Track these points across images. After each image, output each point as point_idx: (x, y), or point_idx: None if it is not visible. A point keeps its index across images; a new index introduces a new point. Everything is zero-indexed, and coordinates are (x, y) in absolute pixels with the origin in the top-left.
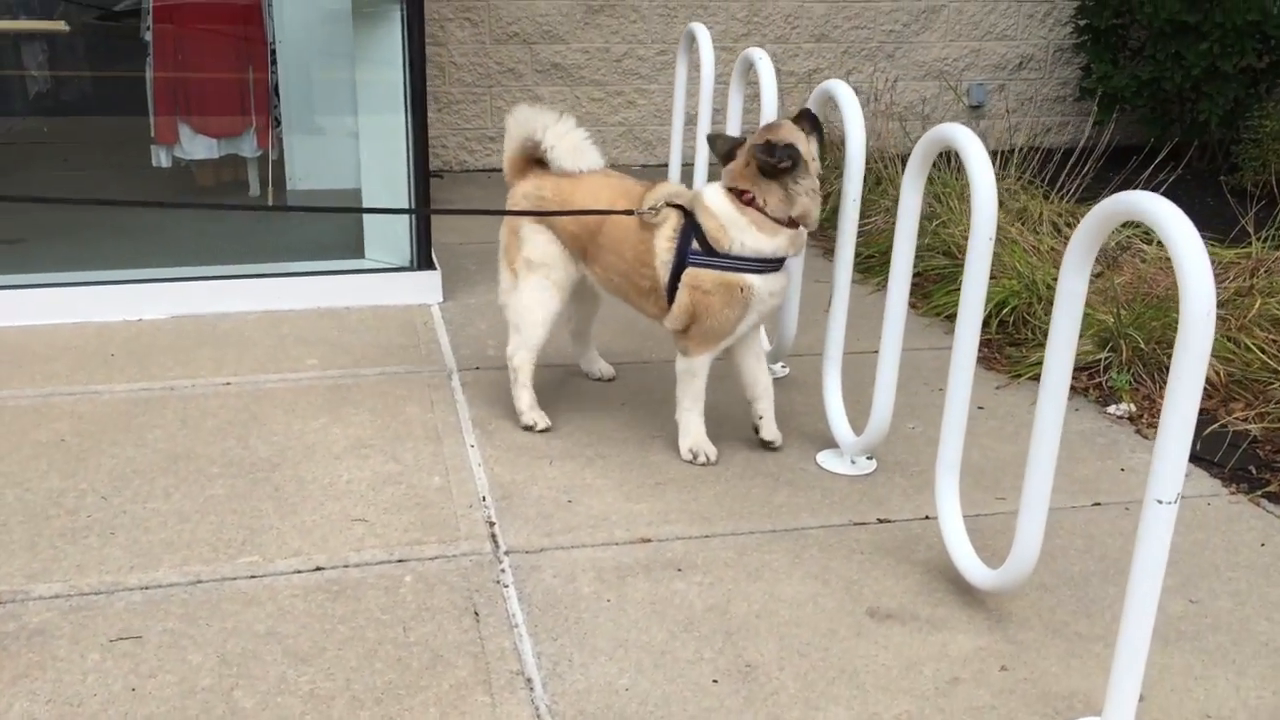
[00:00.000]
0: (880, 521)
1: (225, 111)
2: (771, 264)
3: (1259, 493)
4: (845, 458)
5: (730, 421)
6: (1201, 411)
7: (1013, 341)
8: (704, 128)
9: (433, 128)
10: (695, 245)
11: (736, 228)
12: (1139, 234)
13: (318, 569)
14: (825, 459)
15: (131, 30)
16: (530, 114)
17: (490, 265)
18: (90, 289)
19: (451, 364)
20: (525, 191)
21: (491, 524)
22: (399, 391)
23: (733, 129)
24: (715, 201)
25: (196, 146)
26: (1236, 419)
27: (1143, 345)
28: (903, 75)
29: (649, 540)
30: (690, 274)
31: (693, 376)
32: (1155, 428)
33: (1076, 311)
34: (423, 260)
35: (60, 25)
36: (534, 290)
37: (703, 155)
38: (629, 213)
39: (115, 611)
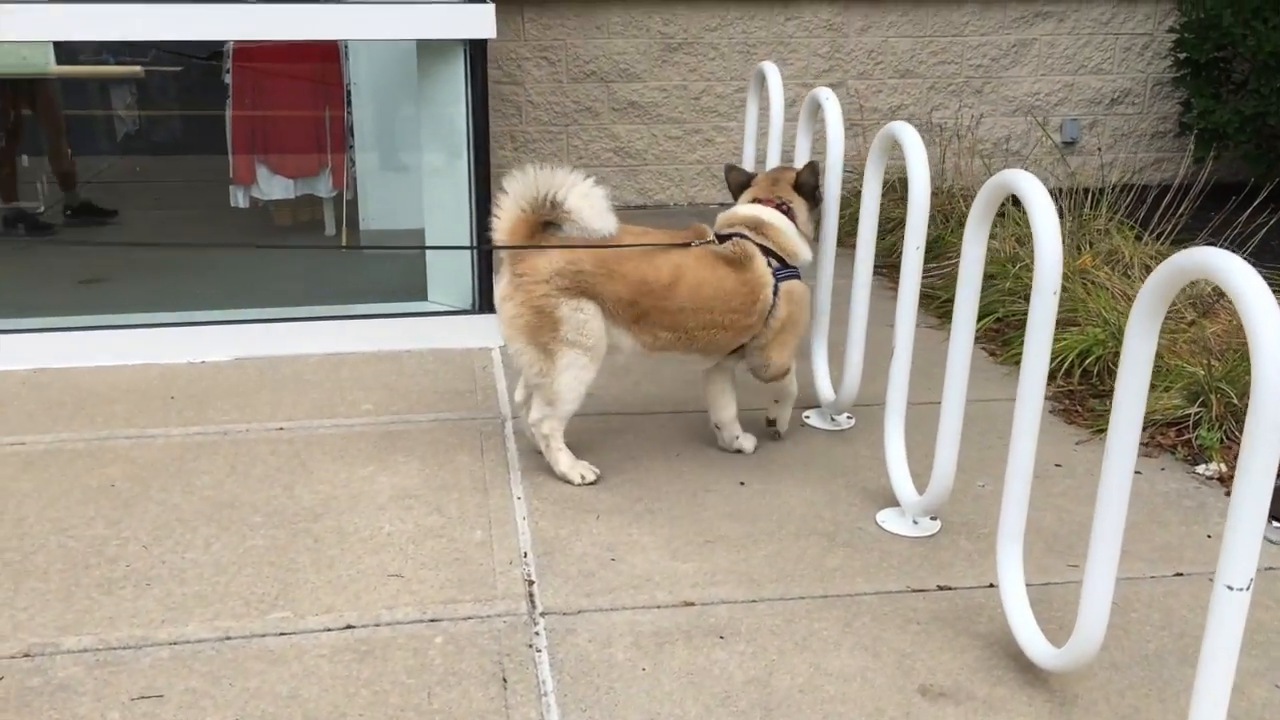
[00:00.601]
0: (940, 589)
1: (301, 152)
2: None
3: None
4: (907, 517)
5: (790, 476)
6: None
7: (1096, 393)
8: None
9: (509, 167)
10: (774, 263)
11: (797, 239)
12: None
13: (348, 627)
14: (886, 518)
15: (214, 71)
16: (545, 174)
17: None
18: (154, 330)
19: (506, 411)
20: (557, 269)
21: (530, 582)
22: (451, 439)
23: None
24: (777, 219)
25: (273, 187)
26: None
27: (1235, 400)
28: (991, 111)
29: (692, 604)
30: (785, 289)
31: (793, 388)
32: None
33: (1144, 375)
34: (485, 303)
35: (136, 70)
36: (573, 369)
37: None
38: (685, 245)
39: (141, 668)
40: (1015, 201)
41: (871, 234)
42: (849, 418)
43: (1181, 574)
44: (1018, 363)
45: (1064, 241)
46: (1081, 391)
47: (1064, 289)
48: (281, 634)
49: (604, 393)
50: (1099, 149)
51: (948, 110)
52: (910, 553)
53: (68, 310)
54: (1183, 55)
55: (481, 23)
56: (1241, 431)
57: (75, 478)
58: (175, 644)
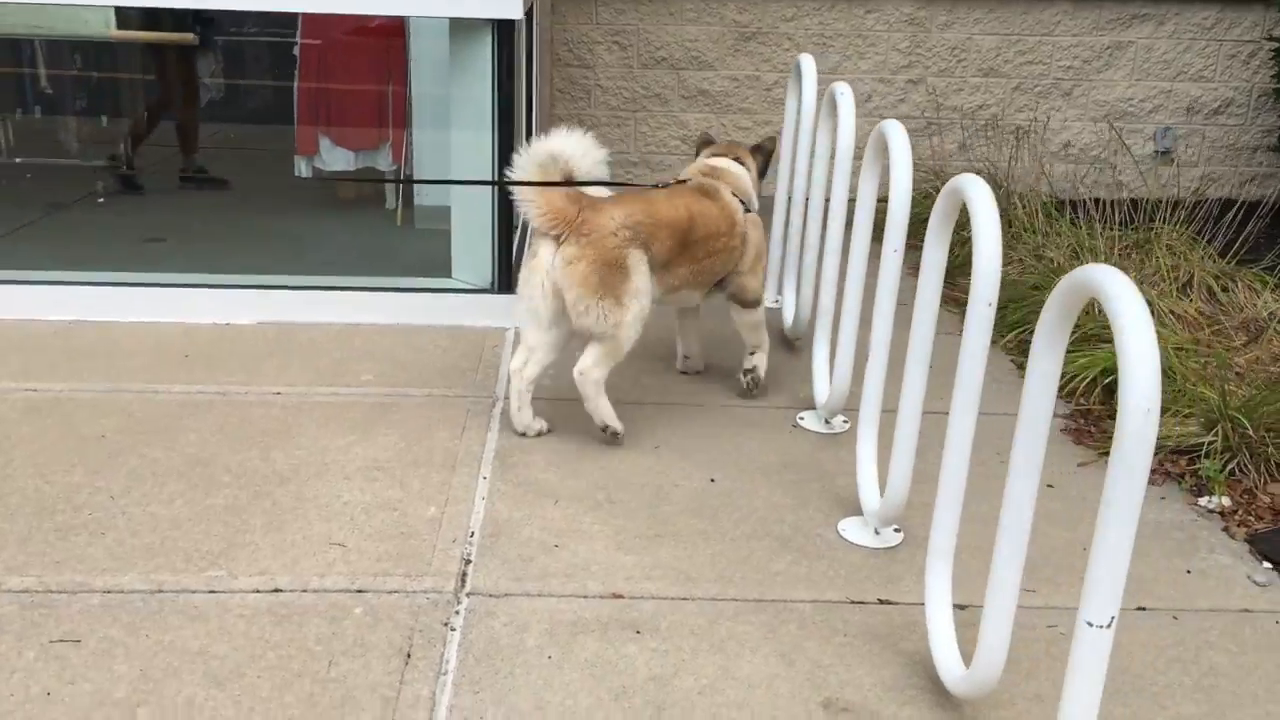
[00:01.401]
0: (881, 602)
1: (362, 125)
2: None
3: None
4: (869, 527)
5: (765, 476)
6: None
7: (1115, 415)
8: (801, 162)
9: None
10: (739, 201)
11: (749, 185)
12: None
13: (276, 590)
14: (847, 527)
15: (286, 43)
16: (562, 142)
17: None
18: (187, 290)
19: (501, 392)
20: (620, 223)
21: (467, 561)
22: (437, 415)
23: (819, 163)
24: (733, 166)
25: (335, 158)
26: None
27: (1250, 431)
28: (1080, 115)
29: (620, 596)
30: (750, 218)
31: (766, 337)
32: (1246, 526)
33: (1047, 396)
34: (503, 283)
35: (188, 37)
36: (639, 317)
37: (808, 191)
38: (657, 185)
39: (70, 613)
40: (1074, 207)
41: (867, 233)
42: (844, 421)
43: (1144, 609)
44: None
45: (1117, 254)
46: (1098, 412)
47: (1097, 304)
48: (211, 592)
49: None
50: (1196, 160)
51: (1035, 112)
52: (862, 563)
53: (118, 266)
54: None
55: (507, 3)
56: (1256, 465)
57: (72, 426)
58: (109, 592)
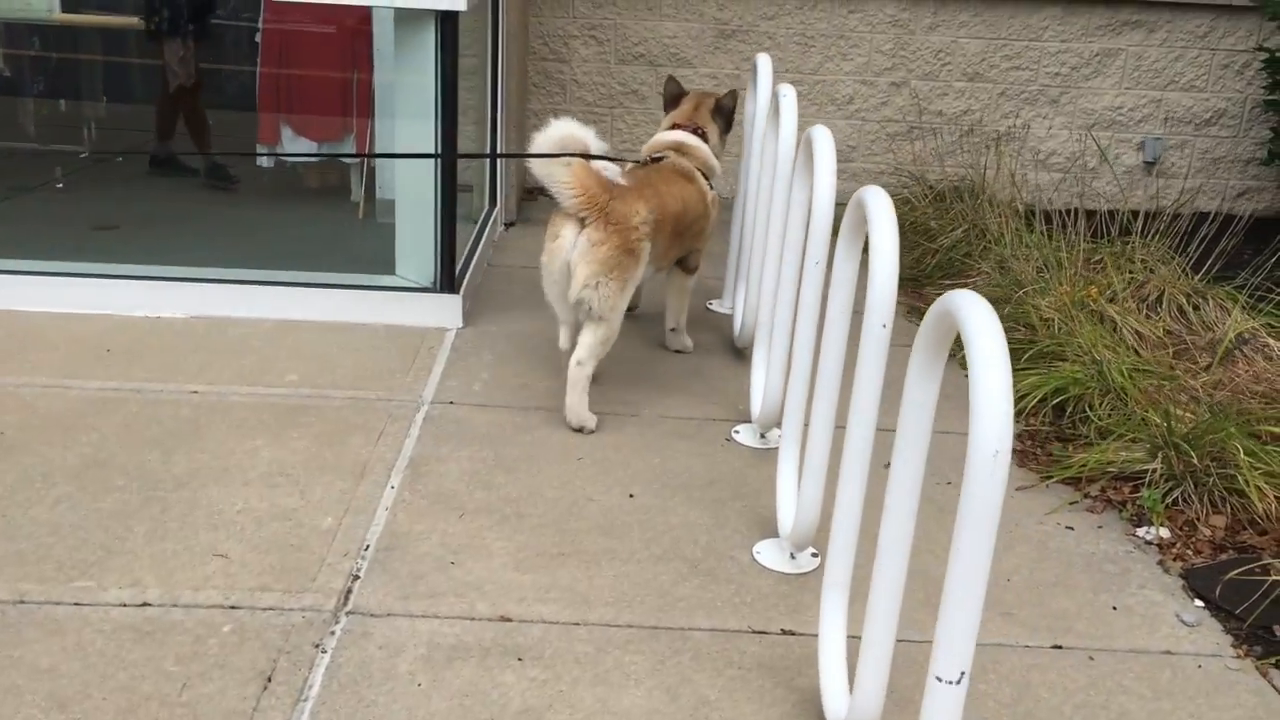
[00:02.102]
0: (783, 633)
1: (325, 115)
2: None
3: (1272, 659)
4: (785, 551)
5: (687, 493)
6: (1246, 549)
7: (1063, 436)
8: (753, 164)
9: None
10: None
11: (711, 157)
12: (1268, 324)
13: (144, 605)
14: (762, 550)
15: (248, 30)
16: (572, 127)
17: (536, 293)
18: (118, 282)
19: (429, 396)
20: (643, 218)
21: (355, 578)
22: (355, 419)
23: (766, 165)
24: (695, 142)
25: (297, 148)
26: None
27: (1194, 460)
28: (1067, 123)
29: (509, 619)
30: (712, 196)
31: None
32: (1183, 560)
33: (924, 423)
34: (445, 282)
35: (135, 20)
36: (626, 302)
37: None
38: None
39: None
40: (1053, 218)
41: (796, 244)
42: (779, 435)
43: (1060, 646)
44: None
45: (1085, 268)
46: (1047, 433)
47: (1059, 321)
48: (76, 604)
49: (541, 385)
50: (1185, 172)
51: (1020, 119)
52: (772, 589)
53: (59, 255)
54: (1277, 77)
55: None
56: (1201, 495)
57: None
58: None
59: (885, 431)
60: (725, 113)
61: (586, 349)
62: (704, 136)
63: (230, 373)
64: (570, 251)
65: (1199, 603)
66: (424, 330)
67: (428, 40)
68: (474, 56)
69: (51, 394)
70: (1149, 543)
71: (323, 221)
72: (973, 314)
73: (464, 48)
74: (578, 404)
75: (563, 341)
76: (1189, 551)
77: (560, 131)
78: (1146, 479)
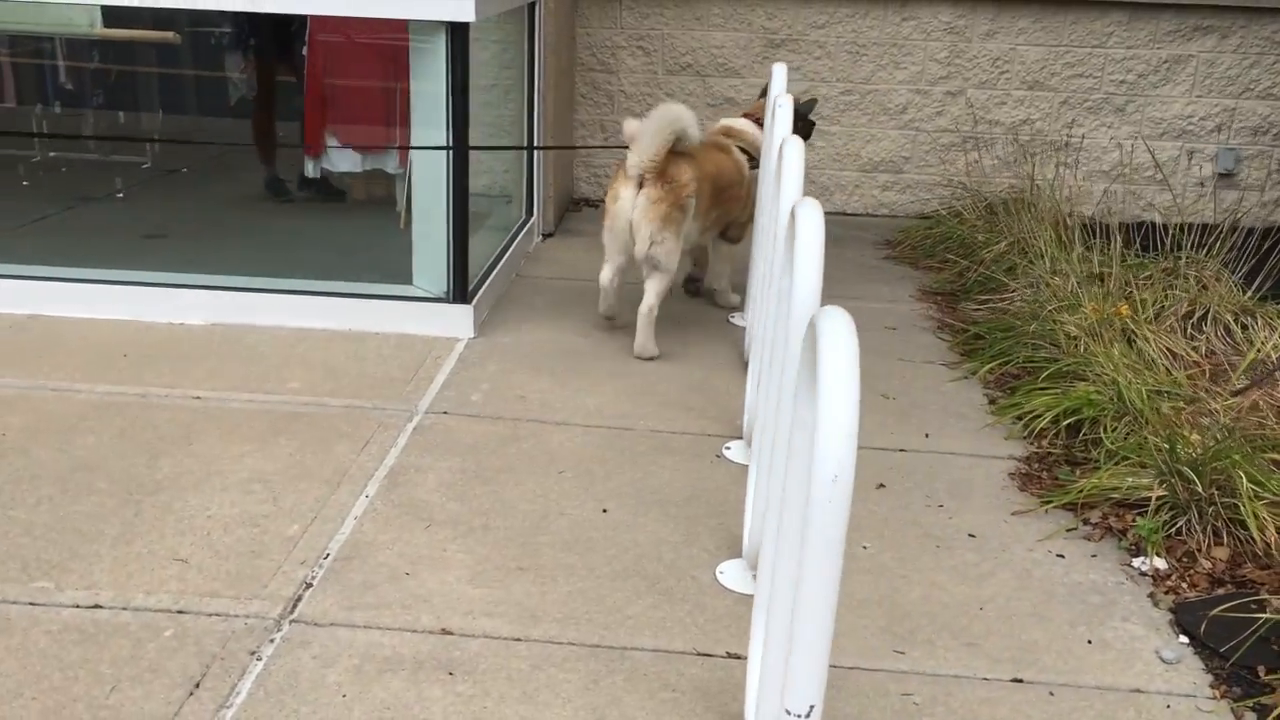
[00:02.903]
0: (729, 656)
1: (367, 126)
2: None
3: (1250, 701)
4: (749, 571)
5: (663, 510)
6: (1245, 583)
7: (1073, 459)
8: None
9: (597, 157)
10: (745, 157)
11: (759, 139)
12: None
13: (95, 606)
14: (726, 570)
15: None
16: (682, 110)
17: (559, 304)
18: (142, 289)
19: (424, 406)
20: (691, 176)
21: (307, 586)
22: (345, 428)
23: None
24: (745, 125)
25: (342, 160)
26: None
27: (1200, 488)
28: (1134, 133)
29: (450, 633)
30: (752, 174)
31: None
32: (1176, 593)
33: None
34: (457, 293)
35: (170, 36)
36: (681, 249)
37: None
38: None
39: None
40: (1107, 233)
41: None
42: None
43: (1021, 680)
44: (1010, 415)
45: (1114, 284)
46: (1056, 456)
47: (1084, 339)
48: (31, 604)
49: (538, 396)
50: (1264, 184)
51: (1083, 128)
52: (728, 611)
53: (100, 263)
54: None
55: (458, 5)
56: (1205, 525)
57: None
58: None
59: (873, 450)
60: (799, 115)
61: (654, 295)
62: (759, 124)
63: (236, 379)
64: (633, 208)
65: (1184, 639)
66: (434, 340)
67: (439, 51)
68: (511, 68)
69: (59, 397)
70: (1143, 574)
71: (361, 231)
72: (826, 330)
73: (498, 59)
74: (645, 340)
75: (604, 277)
76: (1184, 584)
77: (670, 116)
78: (1150, 506)
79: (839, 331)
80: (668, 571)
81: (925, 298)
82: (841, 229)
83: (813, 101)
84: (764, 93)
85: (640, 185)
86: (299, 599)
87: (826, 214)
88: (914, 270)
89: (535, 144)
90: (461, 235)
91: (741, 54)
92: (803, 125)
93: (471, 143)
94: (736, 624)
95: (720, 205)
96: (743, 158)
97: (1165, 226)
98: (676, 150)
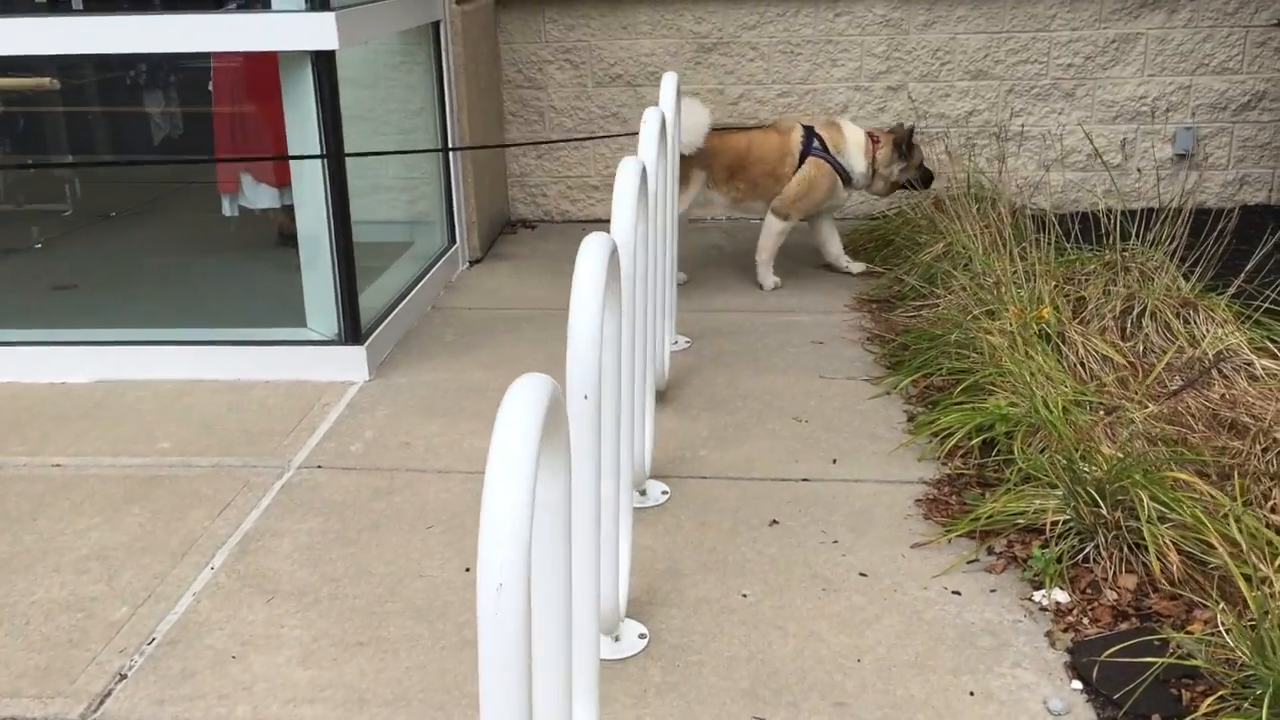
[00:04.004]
0: None
1: (282, 160)
2: (849, 180)
3: None
4: (611, 634)
5: None
6: (1151, 616)
7: (986, 481)
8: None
9: (532, 175)
10: (818, 145)
11: (852, 147)
12: (1271, 334)
13: None
14: None
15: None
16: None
17: (471, 337)
18: (26, 349)
19: (298, 460)
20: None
21: (121, 677)
22: (207, 490)
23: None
24: (849, 129)
25: (259, 195)
26: (1192, 634)
27: (1105, 512)
28: (1086, 118)
29: None
30: (812, 159)
31: (781, 234)
32: (1077, 630)
33: (557, 529)
34: (349, 334)
35: (47, 82)
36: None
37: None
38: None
39: None
40: (1042, 225)
41: (640, 273)
42: (665, 492)
43: None
44: (927, 433)
45: (1050, 281)
46: (966, 477)
47: (1007, 347)
48: None
49: (422, 443)
50: (1226, 162)
51: (1032, 116)
52: None
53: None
54: None
55: (320, 33)
56: (1113, 550)
57: None
58: None
59: (773, 482)
60: (900, 143)
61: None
62: (876, 141)
63: (103, 442)
64: None
65: (1077, 684)
66: (325, 385)
67: (306, 79)
68: (418, 89)
69: None
70: (1043, 609)
71: (270, 274)
72: (506, 407)
73: (403, 81)
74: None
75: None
76: (1085, 620)
77: (693, 111)
78: (1057, 532)
79: (514, 413)
80: None
81: (860, 306)
82: (792, 237)
83: (912, 130)
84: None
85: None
86: (108, 694)
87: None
88: (852, 276)
89: (451, 166)
90: (348, 272)
91: (672, 61)
92: (900, 147)
93: (356, 179)
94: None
95: (748, 179)
96: (799, 145)
97: (1128, 214)
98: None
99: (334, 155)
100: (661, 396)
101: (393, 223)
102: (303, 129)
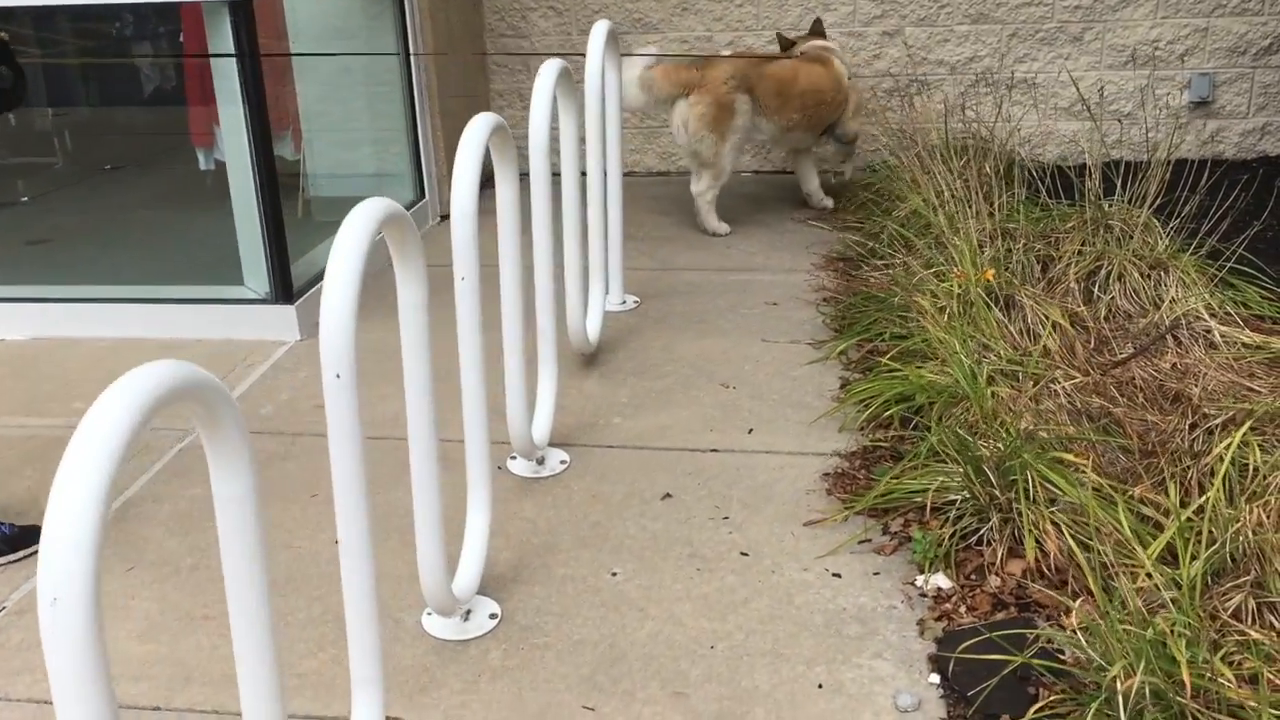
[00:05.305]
0: None
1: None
2: None
3: None
4: (458, 611)
5: (400, 535)
6: (1030, 605)
7: (898, 454)
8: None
9: (521, 127)
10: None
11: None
12: (1242, 298)
13: None
14: (437, 615)
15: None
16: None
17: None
18: None
19: None
20: (730, 73)
21: None
22: None
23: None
24: (836, 49)
25: (201, 145)
26: (1065, 629)
27: (998, 492)
28: (1095, 63)
29: None
30: (852, 82)
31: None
32: (953, 619)
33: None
34: (281, 292)
35: None
36: (734, 148)
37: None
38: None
39: None
40: (1041, 177)
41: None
42: (564, 461)
43: None
44: (853, 403)
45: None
46: (882, 451)
47: (930, 312)
48: None
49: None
50: (1246, 110)
51: (1037, 62)
52: (415, 662)
53: None
54: None
55: None
56: (999, 535)
57: None
58: None
59: (680, 451)
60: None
61: (703, 184)
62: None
63: (19, 402)
64: (682, 115)
65: (935, 678)
66: (253, 344)
67: (225, 29)
68: (381, 39)
69: None
70: (923, 595)
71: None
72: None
73: (362, 30)
74: (707, 220)
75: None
76: (963, 608)
77: (638, 65)
78: (953, 513)
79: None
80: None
81: (828, 265)
82: (770, 189)
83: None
84: (793, 42)
85: (686, 96)
86: None
87: (767, 173)
88: (831, 232)
89: (419, 117)
90: (276, 229)
91: (658, 7)
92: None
93: (316, 130)
94: (416, 680)
95: (805, 108)
96: (843, 69)
97: (1136, 166)
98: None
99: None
100: (591, 359)
101: (354, 175)
102: (227, 80)
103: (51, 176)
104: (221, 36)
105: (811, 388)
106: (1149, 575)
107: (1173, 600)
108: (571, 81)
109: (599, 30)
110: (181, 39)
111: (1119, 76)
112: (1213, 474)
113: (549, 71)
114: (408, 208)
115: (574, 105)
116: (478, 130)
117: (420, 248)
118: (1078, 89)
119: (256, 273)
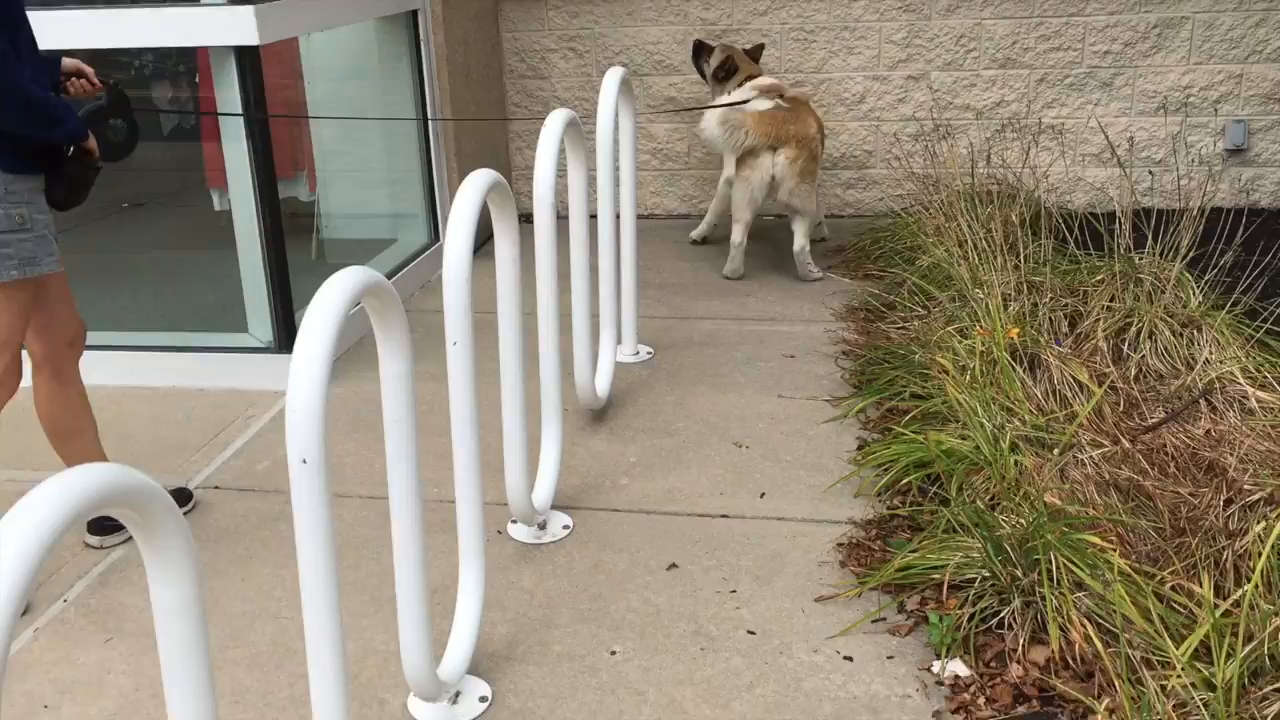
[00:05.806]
0: None
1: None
2: None
3: None
4: (448, 693)
5: (392, 605)
6: (1053, 699)
7: (917, 525)
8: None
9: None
10: None
11: None
12: (1266, 362)
13: None
14: (416, 702)
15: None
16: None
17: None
18: None
19: (199, 480)
20: (815, 130)
21: None
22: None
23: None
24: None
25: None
26: None
27: (1020, 574)
28: (1126, 109)
29: None
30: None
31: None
32: (970, 712)
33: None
34: (284, 342)
35: None
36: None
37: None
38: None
39: None
40: (1069, 227)
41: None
42: (566, 527)
43: None
44: (871, 467)
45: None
46: (900, 521)
47: (972, 370)
48: None
49: (335, 461)
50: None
51: (1066, 108)
52: None
53: None
54: None
55: (240, 27)
56: (1021, 619)
57: None
58: None
59: (689, 517)
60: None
61: (801, 234)
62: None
63: (11, 455)
64: (773, 168)
65: None
66: (254, 395)
67: (231, 74)
68: (396, 79)
69: None
70: (939, 683)
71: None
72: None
73: (377, 71)
74: (812, 268)
75: (735, 237)
76: (982, 699)
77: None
78: (971, 594)
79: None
80: (356, 695)
81: (847, 316)
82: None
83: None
84: (736, 68)
85: (773, 150)
86: None
87: (781, 217)
88: (851, 282)
89: (434, 159)
90: (281, 275)
91: (679, 49)
92: None
93: (330, 172)
94: None
95: (811, 155)
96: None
97: (1167, 215)
98: (795, 104)
99: (258, 115)
100: (601, 414)
101: (370, 216)
102: (232, 125)
103: (72, 213)
104: (228, 82)
105: (828, 449)
106: (1180, 673)
107: (1203, 703)
108: (580, 130)
109: (612, 76)
110: (197, 79)
111: (1150, 123)
112: (1249, 556)
113: (555, 122)
114: (422, 250)
115: (582, 153)
116: (472, 192)
117: (403, 318)
118: (1106, 136)
119: (260, 320)
